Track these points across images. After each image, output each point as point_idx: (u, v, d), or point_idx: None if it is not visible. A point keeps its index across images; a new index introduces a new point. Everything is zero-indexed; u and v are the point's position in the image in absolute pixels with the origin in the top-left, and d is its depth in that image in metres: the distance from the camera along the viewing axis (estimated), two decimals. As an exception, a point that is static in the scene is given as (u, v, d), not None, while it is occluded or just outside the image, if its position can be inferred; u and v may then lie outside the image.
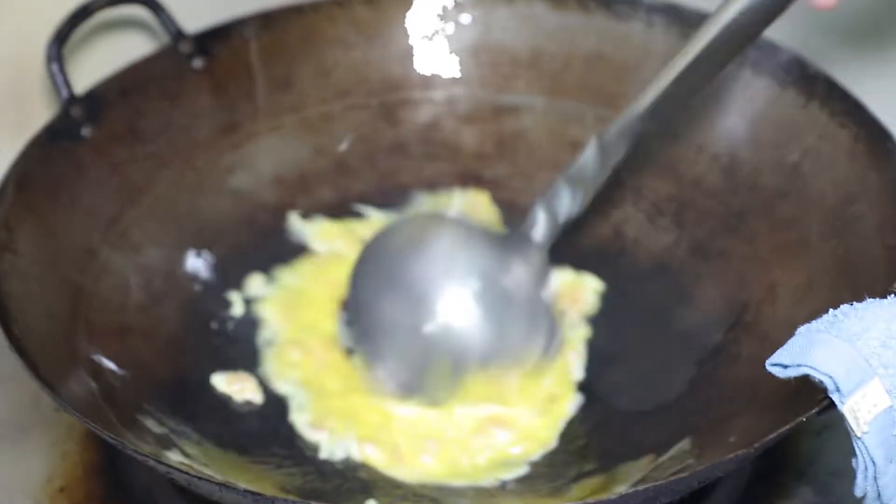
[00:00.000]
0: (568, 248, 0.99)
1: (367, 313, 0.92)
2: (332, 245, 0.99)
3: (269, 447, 0.86)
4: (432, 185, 1.05)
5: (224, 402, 0.89)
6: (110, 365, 0.86)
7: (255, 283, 0.96)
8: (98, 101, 0.95)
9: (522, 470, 0.84)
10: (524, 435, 0.86)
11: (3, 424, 0.92)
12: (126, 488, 0.87)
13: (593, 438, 0.86)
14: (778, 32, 0.94)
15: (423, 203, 1.02)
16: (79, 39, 1.01)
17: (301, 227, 1.01)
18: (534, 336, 0.90)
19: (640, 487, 0.75)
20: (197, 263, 0.97)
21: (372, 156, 1.06)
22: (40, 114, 1.02)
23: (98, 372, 0.84)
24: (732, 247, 0.94)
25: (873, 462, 0.64)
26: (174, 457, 0.81)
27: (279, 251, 1.00)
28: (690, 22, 0.99)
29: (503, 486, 0.83)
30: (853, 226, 0.86)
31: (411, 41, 1.07)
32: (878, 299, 0.67)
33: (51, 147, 0.91)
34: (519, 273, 0.90)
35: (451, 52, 1.07)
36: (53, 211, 0.89)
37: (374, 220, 1.01)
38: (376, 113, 1.06)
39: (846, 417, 0.64)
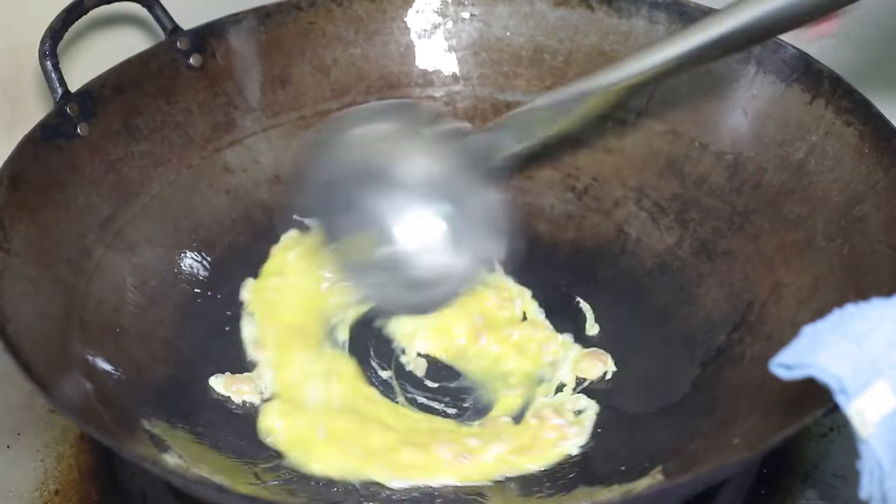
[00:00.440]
0: (570, 247, 0.98)
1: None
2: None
3: (264, 449, 0.85)
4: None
5: (219, 403, 0.89)
6: (105, 366, 0.85)
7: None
8: (93, 98, 0.94)
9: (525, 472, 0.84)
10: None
11: (-3, 426, 0.92)
12: (121, 491, 0.87)
13: (596, 440, 0.85)
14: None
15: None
16: (73, 36, 1.01)
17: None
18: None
19: (644, 490, 0.74)
20: (192, 263, 0.96)
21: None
22: (34, 111, 1.01)
23: (93, 373, 0.84)
24: (737, 246, 0.94)
25: (879, 465, 0.63)
26: (170, 459, 0.81)
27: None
28: (693, 18, 0.99)
29: (506, 488, 0.82)
30: (859, 225, 0.86)
31: (411, 38, 1.06)
32: (884, 299, 0.66)
33: (45, 145, 0.90)
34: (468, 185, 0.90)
35: (450, 50, 1.06)
36: (47, 210, 0.88)
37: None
38: (376, 111, 1.05)
39: (852, 419, 0.63)
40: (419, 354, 0.92)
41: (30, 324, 0.80)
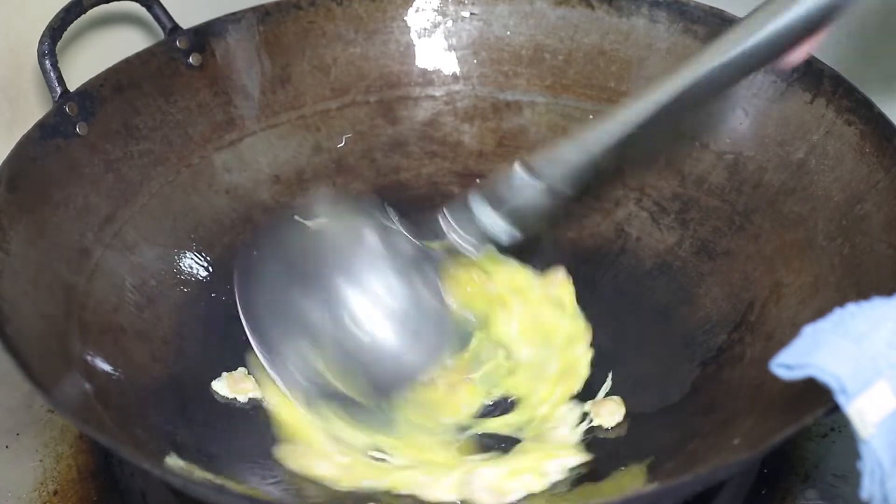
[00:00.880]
0: (570, 247, 0.98)
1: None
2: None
3: (266, 449, 0.85)
4: (432, 183, 1.04)
5: (219, 403, 0.89)
6: (104, 366, 0.85)
7: None
8: (92, 97, 0.93)
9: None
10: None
11: (-4, 426, 0.92)
12: (120, 491, 0.87)
13: (596, 440, 0.85)
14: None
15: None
16: (72, 35, 1.01)
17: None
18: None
19: (644, 490, 0.74)
20: (192, 263, 0.96)
21: (371, 154, 1.05)
22: (33, 111, 1.01)
23: (92, 373, 0.83)
24: (737, 246, 0.93)
25: (880, 465, 0.63)
26: (169, 460, 0.80)
27: (275, 234, 0.98)
28: (693, 18, 0.99)
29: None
30: (860, 224, 0.85)
31: (411, 37, 1.06)
32: (884, 299, 0.65)
33: (44, 144, 0.89)
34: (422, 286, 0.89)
35: (450, 49, 1.06)
36: (46, 210, 0.88)
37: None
38: (375, 110, 1.05)
39: (852, 419, 0.63)
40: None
41: (29, 324, 0.80)
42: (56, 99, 0.91)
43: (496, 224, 0.85)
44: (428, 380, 0.89)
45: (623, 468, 0.82)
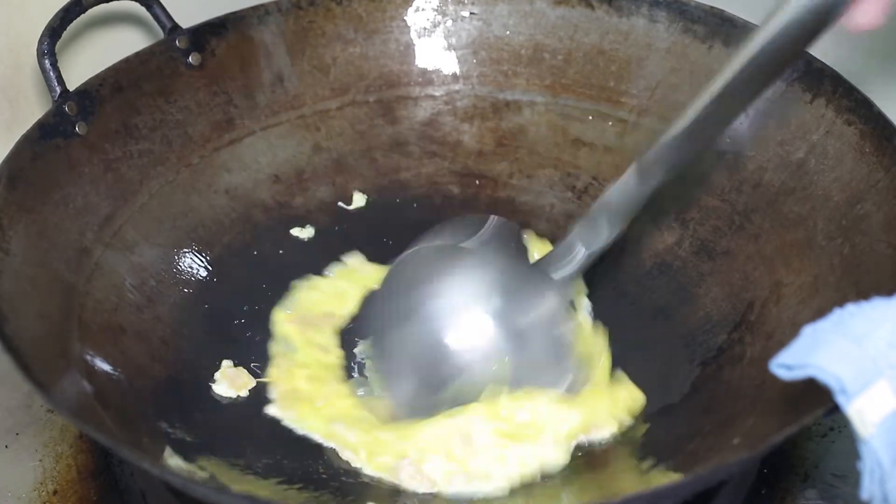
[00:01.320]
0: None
1: (387, 340, 0.91)
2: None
3: (268, 449, 0.85)
4: (431, 183, 1.04)
5: (218, 402, 0.88)
6: (104, 366, 0.85)
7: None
8: (91, 97, 0.93)
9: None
10: None
11: (-5, 426, 0.92)
12: (120, 491, 0.87)
13: (596, 440, 0.85)
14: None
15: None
16: (72, 35, 1.00)
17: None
18: (551, 371, 0.87)
19: (644, 490, 0.74)
20: (192, 263, 0.96)
21: (370, 153, 1.05)
22: (33, 110, 1.01)
23: (92, 373, 0.83)
24: (737, 245, 0.93)
25: (880, 465, 0.63)
26: (169, 460, 0.80)
27: (275, 250, 0.99)
28: (693, 17, 0.99)
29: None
30: (859, 224, 0.85)
31: (410, 37, 1.06)
32: (884, 299, 0.65)
33: (43, 144, 0.89)
34: (537, 309, 0.88)
35: (450, 49, 1.06)
36: (46, 209, 0.88)
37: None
38: (375, 110, 1.06)
39: (852, 419, 0.63)
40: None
41: (28, 323, 0.80)
42: (55, 98, 0.91)
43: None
44: None
45: (621, 468, 0.82)
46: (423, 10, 1.05)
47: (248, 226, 1.00)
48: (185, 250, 0.96)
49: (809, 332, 0.65)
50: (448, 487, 0.82)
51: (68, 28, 0.92)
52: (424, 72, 1.06)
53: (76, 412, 0.77)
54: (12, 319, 0.78)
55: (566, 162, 1.03)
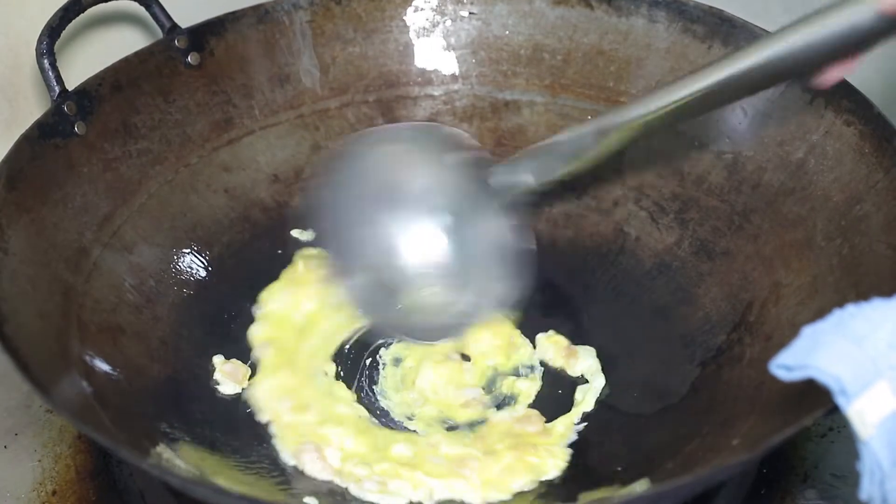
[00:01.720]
0: (569, 247, 0.98)
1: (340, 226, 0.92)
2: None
3: (265, 446, 0.85)
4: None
5: (217, 401, 0.88)
6: (103, 366, 0.84)
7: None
8: (90, 96, 0.93)
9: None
10: None
11: (-6, 426, 0.92)
12: (119, 491, 0.87)
13: (596, 441, 0.85)
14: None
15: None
16: (71, 34, 1.00)
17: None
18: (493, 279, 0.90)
19: (644, 491, 0.74)
20: (190, 262, 0.96)
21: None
22: (32, 110, 1.01)
23: (91, 373, 0.83)
24: (736, 246, 0.93)
25: (880, 466, 0.63)
26: (167, 459, 0.80)
27: (274, 250, 0.99)
28: (692, 17, 0.99)
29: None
30: (859, 225, 0.85)
31: (409, 37, 1.06)
32: (884, 299, 0.65)
33: (42, 144, 0.89)
34: (483, 222, 0.90)
35: (449, 48, 1.06)
36: (45, 209, 0.88)
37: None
38: (374, 109, 1.05)
39: (852, 420, 0.63)
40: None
41: (28, 323, 0.80)
42: (54, 98, 0.91)
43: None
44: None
45: (620, 468, 0.82)
46: (422, 9, 1.05)
47: (248, 225, 1.00)
48: (184, 250, 0.96)
49: (809, 332, 0.65)
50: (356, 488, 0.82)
51: (67, 28, 0.92)
52: (423, 71, 1.06)
53: (75, 412, 0.77)
54: (12, 319, 0.78)
55: None
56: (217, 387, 0.89)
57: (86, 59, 1.00)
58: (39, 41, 0.91)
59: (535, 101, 1.04)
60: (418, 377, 0.89)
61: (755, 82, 0.76)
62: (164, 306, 0.92)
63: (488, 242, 0.90)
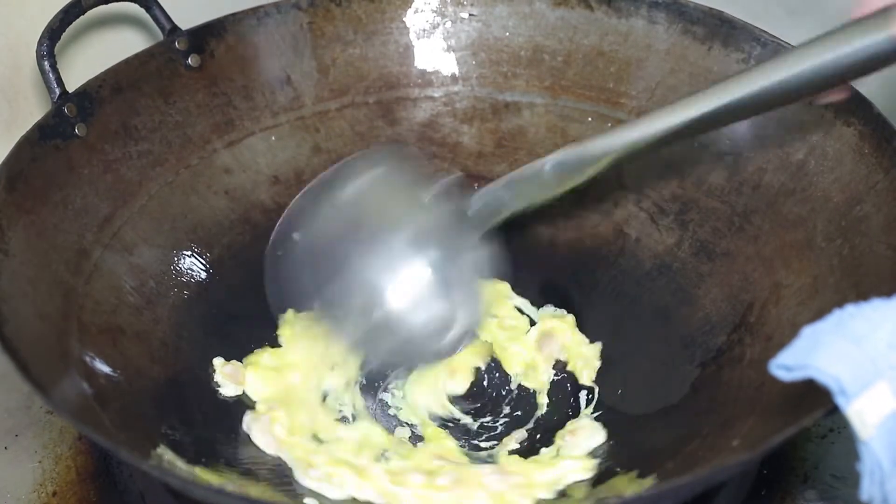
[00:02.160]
0: (568, 248, 0.98)
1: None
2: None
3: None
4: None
5: (218, 402, 0.89)
6: (103, 367, 0.84)
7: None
8: (91, 98, 0.93)
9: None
10: None
11: (-5, 427, 0.92)
12: (119, 492, 0.87)
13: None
14: (785, 31, 0.93)
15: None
16: (71, 36, 1.00)
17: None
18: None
19: (644, 491, 0.74)
20: (191, 264, 0.95)
21: (372, 153, 1.05)
22: (32, 112, 1.01)
23: (91, 374, 0.83)
24: (736, 247, 0.93)
25: (880, 466, 0.63)
26: (167, 460, 0.80)
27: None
28: (692, 19, 0.98)
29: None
30: (859, 226, 0.85)
31: (410, 38, 1.06)
32: (884, 299, 0.65)
33: (42, 145, 0.89)
34: (458, 252, 0.90)
35: (449, 50, 1.06)
36: (45, 210, 0.88)
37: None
38: (374, 111, 1.05)
39: (852, 421, 0.63)
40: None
41: (28, 324, 0.80)
42: (55, 100, 0.91)
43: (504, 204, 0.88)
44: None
45: (618, 469, 0.82)
46: (422, 11, 1.05)
47: (248, 227, 1.00)
48: (185, 252, 0.96)
49: (809, 332, 0.65)
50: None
51: (67, 29, 0.92)
52: (424, 73, 1.06)
53: (75, 413, 0.77)
54: (12, 320, 0.78)
55: None
56: (218, 388, 0.89)
57: (86, 61, 1.00)
58: (40, 43, 0.91)
59: (535, 103, 1.04)
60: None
61: (764, 103, 0.76)
62: (164, 308, 0.92)
63: (468, 271, 0.90)
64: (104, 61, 0.95)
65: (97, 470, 0.88)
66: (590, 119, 1.02)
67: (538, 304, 0.97)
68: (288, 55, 1.03)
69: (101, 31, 1.05)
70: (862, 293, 0.79)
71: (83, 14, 0.93)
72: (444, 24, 1.05)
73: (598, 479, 0.82)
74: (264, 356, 0.92)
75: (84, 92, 0.93)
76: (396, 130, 1.05)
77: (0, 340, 0.75)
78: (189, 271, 0.95)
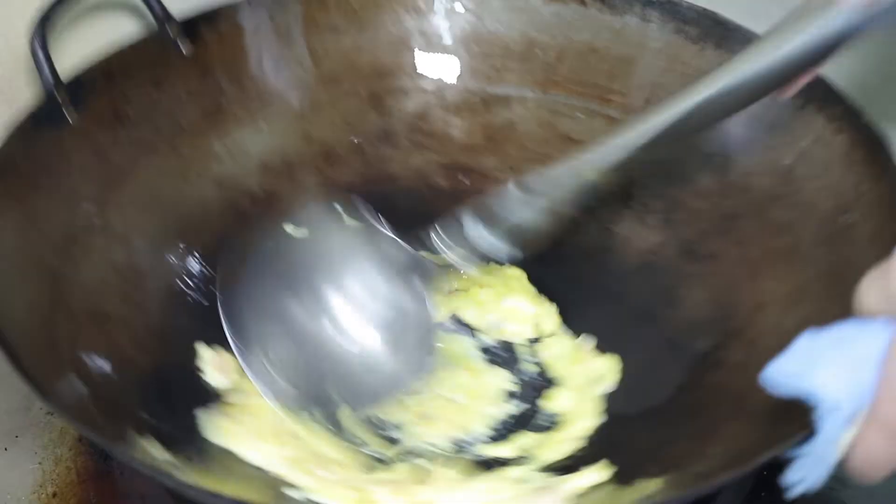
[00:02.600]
0: (554, 244, 0.99)
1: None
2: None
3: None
4: (420, 176, 1.04)
5: (206, 395, 0.88)
6: (92, 356, 0.84)
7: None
8: (83, 85, 0.92)
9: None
10: None
11: (-6, 429, 0.92)
12: (119, 494, 0.87)
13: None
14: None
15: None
16: (65, 24, 1.00)
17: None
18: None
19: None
20: (180, 251, 0.95)
21: (359, 144, 1.05)
22: (24, 98, 1.00)
23: (79, 363, 0.82)
24: (722, 249, 0.94)
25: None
26: (158, 456, 0.80)
27: (263, 241, 0.98)
28: (686, 18, 0.99)
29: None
30: (846, 234, 0.85)
31: (403, 30, 1.06)
32: (885, 319, 0.65)
33: (34, 132, 0.88)
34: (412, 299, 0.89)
35: (443, 42, 1.06)
36: (35, 197, 0.87)
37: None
38: (365, 101, 1.06)
39: (836, 443, 0.63)
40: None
41: (19, 317, 0.79)
42: (46, 87, 0.90)
43: (490, 242, 0.85)
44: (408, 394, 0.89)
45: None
46: (416, 3, 1.05)
47: (237, 215, 1.00)
48: (173, 238, 0.96)
49: (806, 345, 0.64)
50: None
51: (62, 17, 0.92)
52: (416, 65, 1.06)
53: (71, 411, 0.76)
54: (5, 313, 0.77)
55: (554, 158, 1.00)
56: (203, 377, 0.89)
57: (79, 49, 0.99)
58: (32, 31, 0.90)
59: (526, 97, 1.04)
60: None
61: (742, 99, 0.75)
62: (153, 294, 0.92)
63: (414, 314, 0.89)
64: (97, 49, 0.95)
65: (97, 471, 0.88)
66: (580, 115, 1.03)
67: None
68: (280, 44, 1.03)
69: (94, 19, 1.04)
70: (846, 302, 0.79)
71: (77, 2, 0.93)
72: (438, 16, 1.05)
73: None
74: None
75: (76, 79, 0.92)
76: (387, 121, 1.06)
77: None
78: (178, 258, 0.95)
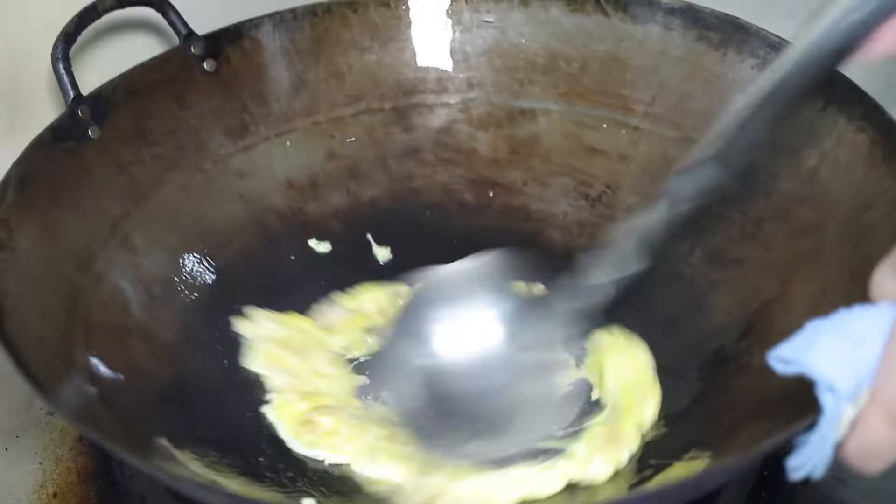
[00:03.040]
0: (581, 254, 0.98)
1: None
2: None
3: (275, 457, 0.85)
4: (446, 191, 1.04)
5: (224, 407, 0.88)
6: (108, 368, 0.84)
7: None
8: (105, 101, 0.94)
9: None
10: None
11: (-5, 428, 0.92)
12: (120, 494, 0.87)
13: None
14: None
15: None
16: (87, 40, 1.01)
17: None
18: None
19: (640, 493, 0.73)
20: (201, 268, 0.96)
21: (384, 160, 1.05)
22: (41, 113, 1.01)
23: (96, 376, 0.83)
24: (747, 254, 0.92)
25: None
26: (171, 463, 0.80)
27: (287, 257, 0.99)
28: (708, 25, 0.98)
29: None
30: (869, 232, 0.84)
31: (426, 45, 1.06)
32: (890, 303, 0.64)
33: (55, 147, 0.90)
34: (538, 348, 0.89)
35: (466, 56, 1.06)
36: (55, 211, 0.88)
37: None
38: (389, 117, 1.06)
39: (835, 421, 0.62)
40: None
41: (31, 323, 0.80)
42: (69, 103, 0.92)
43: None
44: None
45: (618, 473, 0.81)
46: (438, 17, 1.06)
47: (260, 232, 1.00)
48: (196, 255, 0.96)
49: (810, 328, 0.65)
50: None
51: (83, 34, 0.93)
52: (440, 79, 1.06)
53: (74, 413, 0.76)
54: (14, 318, 0.78)
55: (580, 170, 1.02)
56: (225, 392, 0.89)
57: (102, 66, 1.01)
58: (55, 47, 0.91)
59: (550, 110, 1.04)
60: None
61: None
62: (172, 311, 0.92)
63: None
64: (119, 65, 0.96)
65: (98, 471, 0.89)
66: (605, 125, 1.02)
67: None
68: (304, 61, 1.04)
69: (116, 36, 1.06)
70: (869, 300, 0.78)
71: (99, 18, 0.94)
72: (460, 30, 1.06)
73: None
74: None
75: (98, 95, 0.94)
76: (412, 136, 1.06)
77: (0, 337, 0.75)
78: (199, 274, 0.96)
